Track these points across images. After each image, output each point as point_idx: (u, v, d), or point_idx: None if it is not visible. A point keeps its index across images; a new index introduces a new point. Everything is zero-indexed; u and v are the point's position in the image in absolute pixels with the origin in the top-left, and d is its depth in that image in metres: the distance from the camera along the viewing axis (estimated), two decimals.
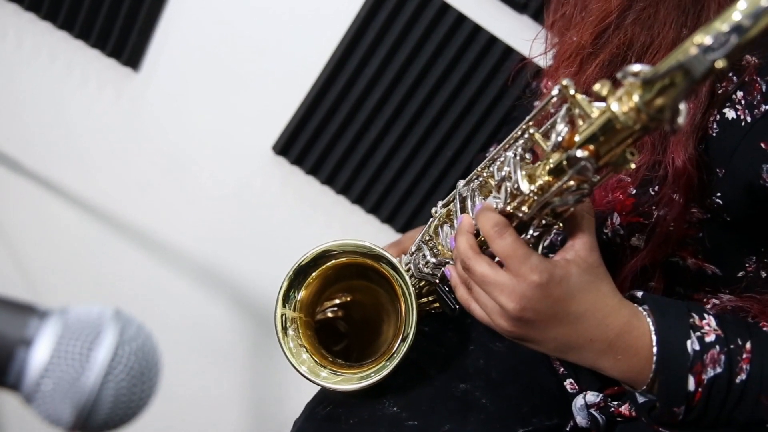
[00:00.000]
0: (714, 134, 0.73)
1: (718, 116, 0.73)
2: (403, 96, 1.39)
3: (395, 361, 0.82)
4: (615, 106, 0.54)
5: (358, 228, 1.52)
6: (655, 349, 0.67)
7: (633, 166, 0.58)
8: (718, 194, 0.75)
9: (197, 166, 1.56)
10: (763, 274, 0.79)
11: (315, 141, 1.46)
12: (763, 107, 0.70)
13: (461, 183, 0.81)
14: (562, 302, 0.66)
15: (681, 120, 0.53)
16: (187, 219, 1.61)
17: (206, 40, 1.47)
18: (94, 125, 1.58)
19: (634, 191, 0.82)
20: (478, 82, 1.37)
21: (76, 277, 1.73)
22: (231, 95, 1.49)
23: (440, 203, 0.86)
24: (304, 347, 0.86)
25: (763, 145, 0.69)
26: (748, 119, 0.71)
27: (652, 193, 0.79)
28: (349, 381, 0.83)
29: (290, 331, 0.86)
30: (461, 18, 1.33)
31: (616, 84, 0.56)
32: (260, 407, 1.71)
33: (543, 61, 1.00)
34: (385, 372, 0.82)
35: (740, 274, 0.80)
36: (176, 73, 1.51)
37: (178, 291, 1.67)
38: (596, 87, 0.55)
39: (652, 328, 0.68)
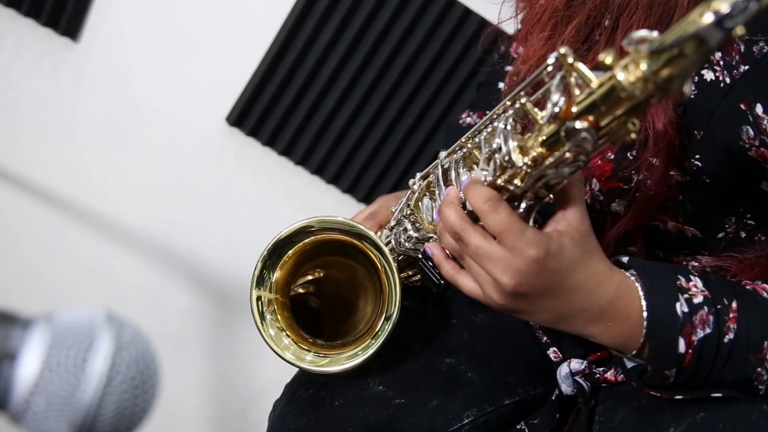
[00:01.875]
0: (692, 96, 0.72)
1: (696, 78, 0.72)
2: (361, 62, 1.35)
3: (380, 340, 0.79)
4: (621, 75, 0.52)
5: (318, 199, 1.49)
6: (645, 314, 0.67)
7: (634, 136, 0.56)
8: (697, 156, 0.74)
9: (146, 140, 1.49)
10: (743, 235, 0.79)
11: (271, 111, 1.40)
12: (742, 68, 0.69)
13: (442, 154, 0.78)
14: (558, 274, 0.65)
15: (687, 89, 0.51)
16: (137, 197, 1.54)
17: (150, 5, 1.38)
18: (33, 100, 1.48)
19: (612, 156, 0.81)
20: (437, 47, 1.34)
21: (26, 265, 1.64)
22: (179, 64, 1.42)
23: (418, 175, 0.83)
24: (285, 331, 0.82)
25: (742, 106, 0.69)
26: (727, 80, 0.70)
27: (631, 157, 0.78)
28: (336, 362, 0.80)
29: (268, 316, 0.83)
30: None
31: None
32: (227, 385, 1.67)
33: (512, 25, 0.97)
34: (371, 351, 0.79)
35: (720, 235, 0.80)
36: (119, 42, 1.42)
37: (131, 273, 1.60)
38: (601, 56, 0.53)
39: (641, 293, 0.67)
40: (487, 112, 1.06)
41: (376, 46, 1.34)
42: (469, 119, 1.08)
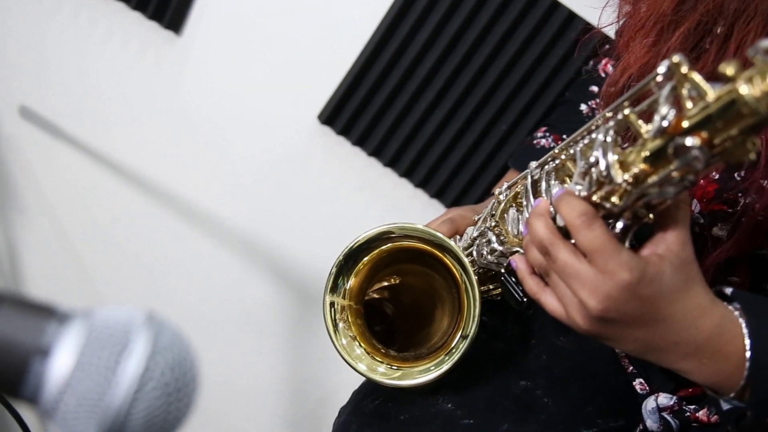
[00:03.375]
0: None
1: None
2: (457, 65, 1.31)
3: (455, 357, 0.75)
4: (744, 89, 0.46)
5: (405, 203, 1.45)
6: (748, 354, 0.60)
7: (753, 157, 0.50)
8: None
9: (240, 133, 1.51)
10: None
11: (362, 111, 1.38)
12: None
13: (533, 164, 0.73)
14: (652, 303, 0.59)
15: None
16: (228, 189, 1.56)
17: (250, 3, 1.40)
18: (136, 91, 1.53)
19: (717, 176, 0.75)
20: (538, 51, 1.28)
21: (114, 250, 1.70)
22: (275, 61, 1.43)
23: (505, 185, 0.79)
24: (357, 341, 0.80)
25: None
26: None
27: (738, 178, 0.72)
28: (408, 376, 0.76)
29: (340, 324, 0.80)
30: None
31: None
32: (298, 385, 1.67)
33: (612, 30, 0.91)
34: (444, 368, 0.75)
35: None
36: (219, 37, 1.44)
37: (218, 265, 1.63)
38: (722, 66, 0.47)
39: (745, 331, 0.60)
40: (564, 136, 1.01)
41: (473, 49, 1.30)
42: (544, 141, 1.03)
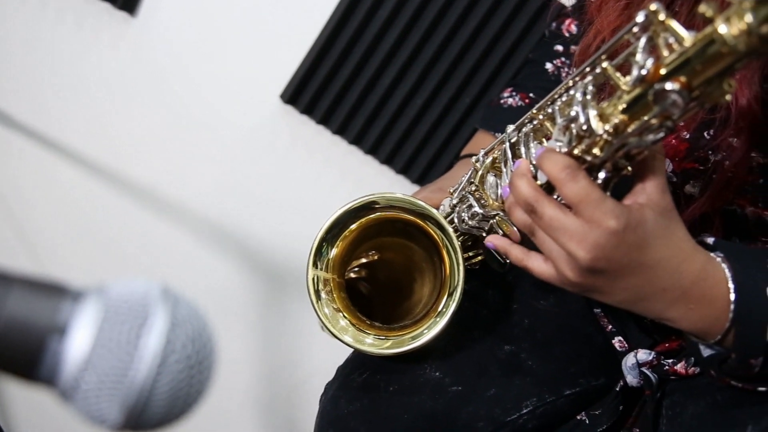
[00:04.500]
0: None
1: None
2: (419, 40, 1.31)
3: (446, 317, 0.76)
4: (723, 28, 0.47)
5: (372, 179, 1.46)
6: (732, 297, 0.62)
7: (729, 98, 0.52)
8: None
9: (202, 116, 1.48)
10: None
11: (325, 89, 1.38)
12: None
13: (510, 128, 0.74)
14: (638, 250, 0.60)
15: None
16: (192, 172, 1.54)
17: None
18: (91, 74, 1.48)
19: (687, 136, 0.77)
20: (499, 24, 1.29)
21: (79, 242, 1.66)
22: (236, 41, 1.41)
23: (482, 151, 0.79)
24: (341, 312, 0.80)
25: None
26: None
27: (708, 137, 0.74)
28: (400, 344, 0.77)
29: (323, 295, 0.80)
30: None
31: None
32: (275, 368, 1.67)
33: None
34: (438, 328, 0.76)
35: None
36: (176, 17, 1.41)
37: (184, 249, 1.60)
38: (701, 8, 0.49)
39: (728, 274, 0.63)
40: (531, 94, 1.02)
41: (434, 23, 1.30)
42: (511, 100, 1.04)
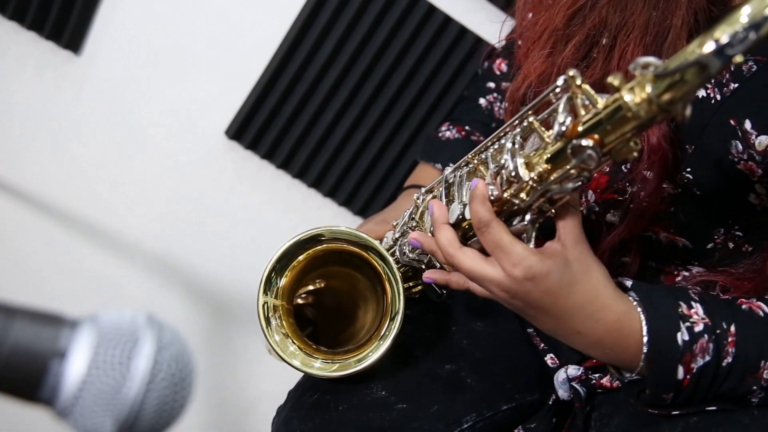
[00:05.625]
0: None
1: None
2: (359, 78, 1.37)
3: (389, 340, 0.82)
4: (628, 97, 0.55)
5: (315, 212, 1.51)
6: (645, 341, 0.69)
7: (636, 155, 0.59)
8: (689, 170, 0.77)
9: (147, 153, 1.51)
10: (731, 245, 0.82)
11: (269, 125, 1.43)
12: (732, 85, 0.73)
13: (448, 169, 0.81)
14: (549, 295, 0.68)
15: (688, 111, 0.55)
16: (138, 209, 1.56)
17: (152, 19, 1.41)
18: (34, 113, 1.49)
19: (607, 169, 0.84)
20: (434, 63, 1.36)
21: (25, 277, 1.65)
22: (180, 78, 1.44)
23: (423, 189, 0.86)
24: (290, 338, 0.84)
25: (732, 121, 0.72)
26: (718, 97, 0.74)
27: (625, 170, 0.82)
28: (346, 367, 0.82)
29: (273, 322, 0.84)
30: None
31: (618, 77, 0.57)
32: (223, 393, 1.68)
33: (498, 42, 1.00)
34: (381, 350, 0.82)
35: (709, 246, 0.83)
36: (121, 55, 1.44)
37: (130, 283, 1.61)
38: (609, 79, 0.56)
39: (643, 322, 0.69)
40: (467, 127, 1.10)
41: (373, 63, 1.36)
42: (449, 133, 1.11)
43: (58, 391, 0.38)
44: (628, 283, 0.73)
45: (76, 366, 0.38)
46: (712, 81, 0.74)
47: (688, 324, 0.69)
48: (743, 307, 0.72)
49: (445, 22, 1.33)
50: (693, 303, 0.71)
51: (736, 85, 0.73)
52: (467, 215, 0.71)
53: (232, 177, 1.51)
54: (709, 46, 0.49)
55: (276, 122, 1.42)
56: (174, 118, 1.48)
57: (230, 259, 1.56)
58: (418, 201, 0.86)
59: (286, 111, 1.41)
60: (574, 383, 0.87)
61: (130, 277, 1.61)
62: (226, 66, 1.43)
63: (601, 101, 0.59)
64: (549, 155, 0.64)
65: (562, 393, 0.88)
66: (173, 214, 1.55)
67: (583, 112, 0.60)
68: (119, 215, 1.57)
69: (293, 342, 0.85)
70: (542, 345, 0.93)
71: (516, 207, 0.68)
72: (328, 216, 1.50)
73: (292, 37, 1.35)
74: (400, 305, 0.83)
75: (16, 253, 1.63)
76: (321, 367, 0.83)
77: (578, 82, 0.61)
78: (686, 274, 0.86)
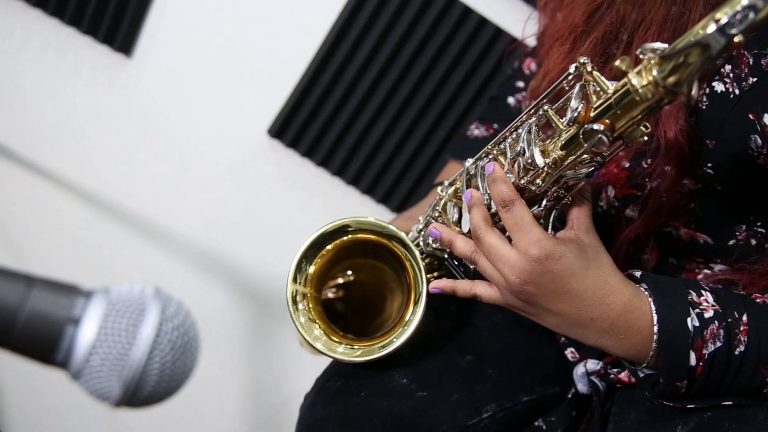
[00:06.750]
0: (704, 107, 0.76)
1: (707, 89, 0.75)
2: (396, 77, 1.41)
3: (413, 325, 0.84)
4: (635, 80, 0.57)
5: (353, 209, 1.53)
6: (656, 328, 0.70)
7: (646, 138, 0.61)
8: (709, 165, 0.77)
9: (193, 151, 1.57)
10: (753, 242, 0.82)
11: (310, 123, 1.47)
12: (751, 80, 0.73)
13: (469, 161, 0.83)
14: (563, 278, 0.70)
15: (694, 92, 0.57)
16: (183, 204, 1.62)
17: (199, 23, 1.47)
18: (88, 113, 1.58)
19: (627, 164, 0.85)
20: (470, 64, 1.39)
21: (76, 267, 1.73)
22: (225, 79, 1.50)
23: (446, 182, 0.88)
24: (315, 323, 0.87)
25: (751, 116, 0.72)
26: (737, 92, 0.73)
27: (645, 165, 0.82)
28: (371, 353, 0.85)
29: (300, 306, 0.88)
30: (452, 0, 1.34)
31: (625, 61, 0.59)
32: (260, 388, 1.73)
33: (534, 41, 1.02)
34: (404, 337, 0.84)
35: (731, 242, 0.83)
36: (169, 58, 1.51)
37: (176, 276, 1.68)
38: (617, 63, 0.58)
39: (652, 307, 0.71)
40: (494, 125, 1.12)
41: (410, 63, 1.40)
42: (477, 131, 1.13)
43: (71, 355, 0.42)
44: (638, 273, 0.75)
45: (87, 331, 0.42)
46: (731, 75, 0.74)
47: (697, 310, 0.70)
48: (757, 300, 0.73)
49: (480, 23, 1.35)
50: (703, 291, 0.72)
51: (755, 79, 0.72)
52: (490, 204, 0.74)
53: (273, 174, 1.56)
54: (711, 27, 0.51)
55: (316, 122, 1.47)
56: (220, 117, 1.54)
57: (270, 253, 1.61)
58: (441, 193, 0.88)
59: (326, 110, 1.45)
60: (593, 377, 0.88)
61: (174, 270, 1.67)
62: (268, 68, 1.48)
63: (611, 87, 0.61)
64: (563, 142, 0.66)
65: (581, 387, 0.88)
66: (218, 210, 1.61)
67: (595, 98, 0.63)
68: (165, 211, 1.64)
69: (319, 326, 0.88)
70: (563, 339, 0.94)
71: (533, 193, 0.70)
72: (365, 212, 1.50)
73: (331, 40, 1.39)
74: (423, 288, 0.85)
75: (73, 249, 1.71)
76: (344, 351, 0.86)
77: (589, 68, 0.63)
78: (707, 272, 0.86)
